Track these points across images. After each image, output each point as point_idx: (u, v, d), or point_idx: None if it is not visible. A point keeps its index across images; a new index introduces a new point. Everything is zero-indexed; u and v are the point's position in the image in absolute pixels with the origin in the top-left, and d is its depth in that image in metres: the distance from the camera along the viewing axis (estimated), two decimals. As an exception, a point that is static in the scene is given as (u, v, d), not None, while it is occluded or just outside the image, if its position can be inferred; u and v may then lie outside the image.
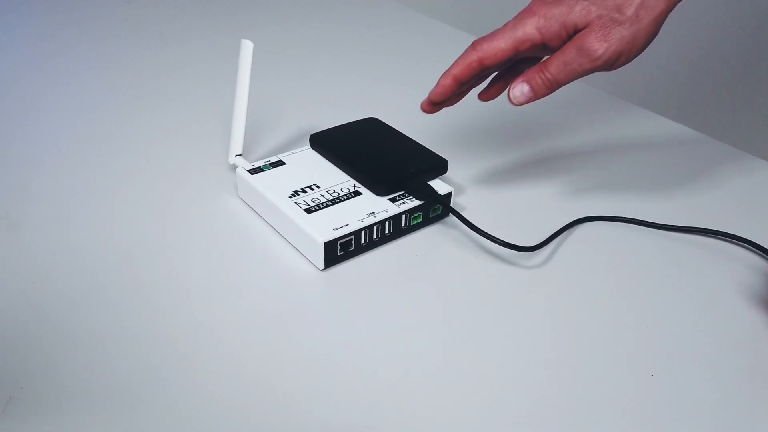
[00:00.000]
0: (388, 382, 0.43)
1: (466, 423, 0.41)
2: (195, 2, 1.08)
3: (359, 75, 0.86)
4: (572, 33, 0.49)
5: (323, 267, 0.52)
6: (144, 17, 1.01)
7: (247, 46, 0.58)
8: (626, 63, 0.50)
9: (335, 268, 0.53)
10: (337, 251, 0.52)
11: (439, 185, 0.58)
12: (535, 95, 0.51)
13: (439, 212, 0.58)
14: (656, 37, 0.51)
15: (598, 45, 0.48)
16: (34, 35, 0.93)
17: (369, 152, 0.61)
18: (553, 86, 0.50)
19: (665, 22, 0.54)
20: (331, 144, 0.62)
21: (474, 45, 0.51)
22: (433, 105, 0.55)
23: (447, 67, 0.54)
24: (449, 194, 0.57)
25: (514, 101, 0.51)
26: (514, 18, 0.50)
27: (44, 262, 0.52)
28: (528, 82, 0.50)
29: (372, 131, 0.65)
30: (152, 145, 0.69)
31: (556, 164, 0.68)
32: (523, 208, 0.61)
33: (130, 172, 0.64)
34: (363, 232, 0.53)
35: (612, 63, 0.49)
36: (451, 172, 0.62)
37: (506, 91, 0.51)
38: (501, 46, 0.49)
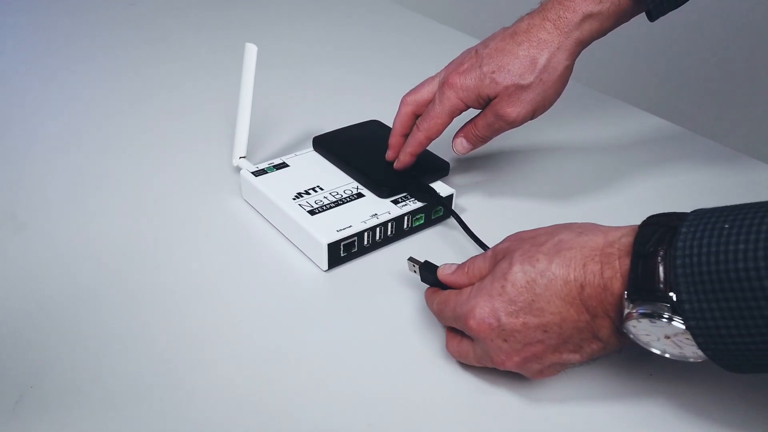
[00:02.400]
0: (390, 381, 0.44)
1: (467, 422, 0.41)
2: (199, 6, 1.08)
3: (361, 78, 0.87)
4: (488, 101, 0.55)
5: (326, 268, 0.53)
6: (148, 21, 1.02)
7: (251, 50, 0.59)
8: (544, 112, 0.56)
9: (338, 269, 0.53)
10: (340, 252, 0.52)
11: (440, 187, 0.58)
12: (473, 146, 0.58)
13: (441, 214, 0.58)
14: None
15: (511, 110, 0.54)
16: (40, 39, 0.94)
17: (371, 154, 0.61)
18: (484, 141, 0.58)
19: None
20: (334, 146, 0.62)
21: (418, 126, 0.57)
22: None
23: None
24: (451, 196, 0.58)
25: (456, 152, 0.59)
26: (438, 90, 0.56)
27: (51, 262, 0.53)
28: (465, 137, 0.58)
29: (374, 133, 0.66)
30: (157, 147, 0.69)
31: (558, 164, 0.68)
32: (523, 210, 0.61)
33: (135, 174, 0.64)
34: (366, 234, 0.53)
35: (529, 119, 0.56)
36: (452, 174, 0.63)
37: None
38: (440, 122, 0.56)
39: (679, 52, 1.48)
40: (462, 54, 0.57)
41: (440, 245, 0.56)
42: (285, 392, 0.43)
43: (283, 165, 0.61)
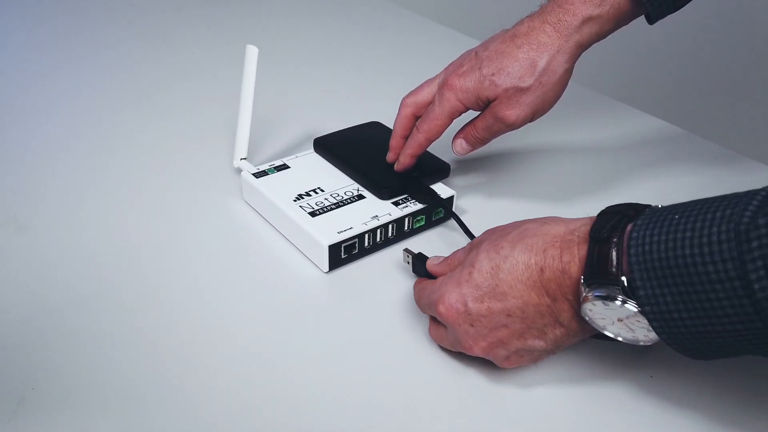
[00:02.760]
0: (392, 382, 0.44)
1: (468, 422, 0.41)
2: (200, 8, 1.09)
3: (362, 79, 0.87)
4: (487, 103, 0.55)
5: (327, 270, 0.53)
6: (149, 22, 1.02)
7: (253, 52, 0.59)
8: (544, 114, 0.56)
9: (339, 271, 0.53)
10: (341, 254, 0.53)
11: (441, 189, 0.58)
12: (472, 148, 0.59)
13: (442, 215, 0.58)
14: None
15: (510, 112, 0.54)
16: (42, 41, 0.94)
17: (372, 156, 0.61)
18: (483, 142, 0.58)
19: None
20: (335, 148, 0.62)
21: (418, 128, 0.57)
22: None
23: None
24: (451, 198, 0.58)
25: (456, 153, 0.59)
26: (438, 92, 0.56)
27: (53, 264, 0.53)
28: (465, 139, 0.58)
29: (375, 135, 0.66)
30: (158, 148, 0.69)
31: (558, 166, 0.68)
32: (523, 212, 0.61)
33: (137, 176, 0.64)
34: (366, 235, 0.53)
35: (528, 121, 0.56)
36: (453, 175, 0.63)
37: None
38: (440, 123, 0.56)
39: (678, 53, 1.49)
40: (461, 56, 0.57)
41: (441, 247, 0.57)
42: (286, 393, 0.43)
43: (284, 166, 0.61)
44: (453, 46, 0.91)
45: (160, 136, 0.71)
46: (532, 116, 0.56)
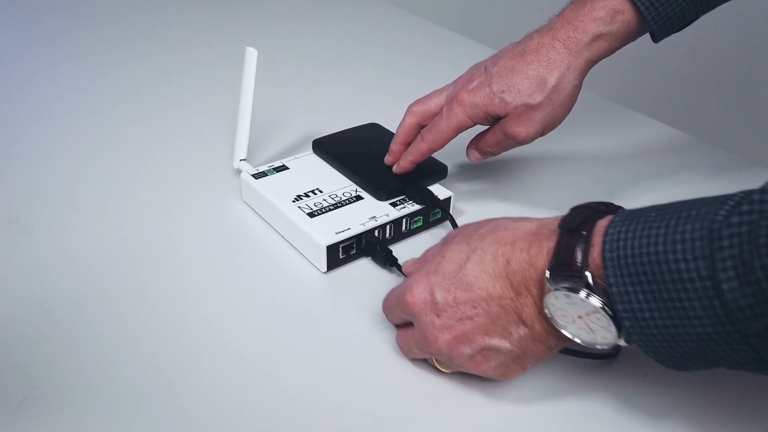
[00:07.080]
0: (390, 382, 0.44)
1: (467, 422, 0.42)
2: (200, 9, 1.09)
3: (361, 81, 0.87)
4: (496, 118, 0.56)
5: (326, 270, 0.53)
6: (150, 23, 1.02)
7: (252, 54, 0.59)
8: (554, 129, 0.57)
9: (337, 271, 0.54)
10: (339, 254, 0.53)
11: (439, 190, 0.59)
12: (484, 158, 0.60)
13: (439, 216, 0.59)
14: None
15: (520, 130, 0.55)
16: (42, 41, 0.94)
17: (370, 157, 0.62)
18: (494, 154, 0.59)
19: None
20: (334, 149, 0.63)
21: (423, 138, 0.58)
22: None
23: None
24: (449, 199, 0.59)
25: (470, 161, 0.60)
26: (447, 105, 0.56)
27: (54, 264, 0.53)
28: (477, 150, 0.59)
29: (373, 136, 0.66)
30: (158, 149, 0.70)
31: (557, 168, 0.69)
32: (521, 212, 0.62)
33: (137, 177, 0.65)
34: (364, 236, 0.54)
35: (539, 136, 0.56)
36: (453, 178, 0.63)
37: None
38: (445, 136, 0.57)
39: (687, 56, 1.48)
40: (470, 69, 0.57)
41: (438, 247, 0.57)
42: (284, 393, 0.43)
43: (283, 167, 0.61)
44: (453, 48, 0.92)
45: (160, 137, 0.72)
46: (542, 132, 0.56)
